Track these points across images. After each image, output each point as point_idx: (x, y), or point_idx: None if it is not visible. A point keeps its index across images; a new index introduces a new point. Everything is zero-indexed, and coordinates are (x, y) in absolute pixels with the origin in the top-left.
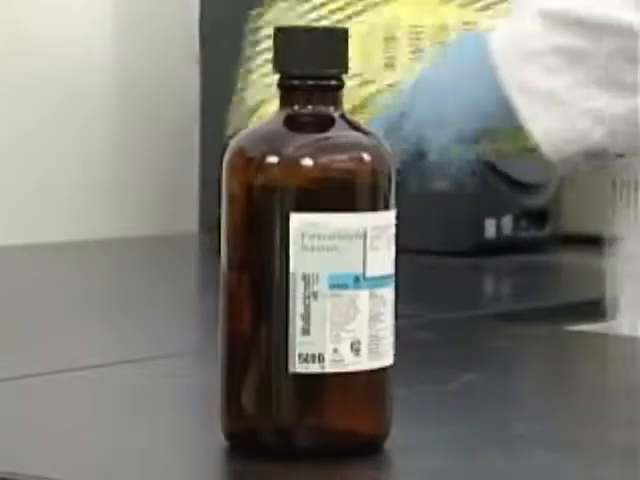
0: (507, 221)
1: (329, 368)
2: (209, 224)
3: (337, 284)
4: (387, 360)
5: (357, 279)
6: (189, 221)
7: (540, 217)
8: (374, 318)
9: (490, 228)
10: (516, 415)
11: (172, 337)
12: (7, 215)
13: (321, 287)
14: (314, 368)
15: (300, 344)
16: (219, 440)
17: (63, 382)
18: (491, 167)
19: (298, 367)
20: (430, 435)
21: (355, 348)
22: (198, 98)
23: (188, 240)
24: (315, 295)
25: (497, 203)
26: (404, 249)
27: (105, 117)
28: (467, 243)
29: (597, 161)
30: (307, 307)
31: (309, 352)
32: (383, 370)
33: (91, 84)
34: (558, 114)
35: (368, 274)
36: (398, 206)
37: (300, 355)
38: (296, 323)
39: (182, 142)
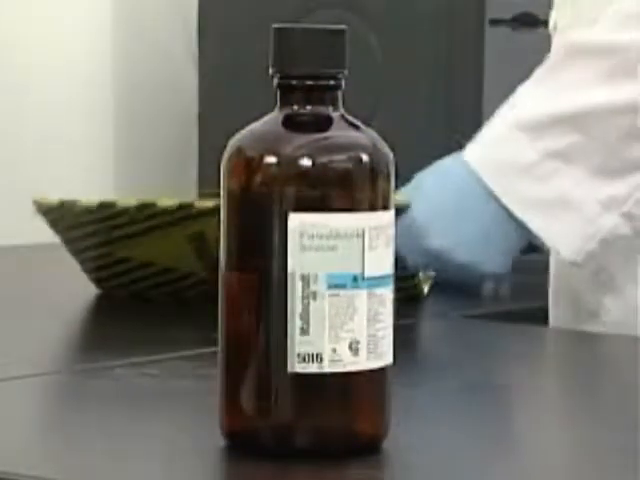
0: None
1: (328, 368)
2: None
3: (336, 284)
4: (386, 360)
5: (355, 279)
6: None
7: None
8: (373, 318)
9: None
10: (516, 415)
11: (171, 337)
12: (13, 216)
13: (320, 287)
14: (313, 368)
15: (299, 344)
16: (218, 440)
17: (62, 382)
18: None
19: (297, 367)
20: (429, 435)
21: (354, 348)
22: (196, 102)
23: None
24: (314, 295)
25: None
26: None
27: (104, 119)
28: None
29: (614, 247)
30: (306, 307)
31: (308, 352)
32: (382, 370)
33: (90, 88)
34: (571, 215)
35: (367, 274)
36: None
37: (299, 355)
38: (295, 323)
39: (181, 147)
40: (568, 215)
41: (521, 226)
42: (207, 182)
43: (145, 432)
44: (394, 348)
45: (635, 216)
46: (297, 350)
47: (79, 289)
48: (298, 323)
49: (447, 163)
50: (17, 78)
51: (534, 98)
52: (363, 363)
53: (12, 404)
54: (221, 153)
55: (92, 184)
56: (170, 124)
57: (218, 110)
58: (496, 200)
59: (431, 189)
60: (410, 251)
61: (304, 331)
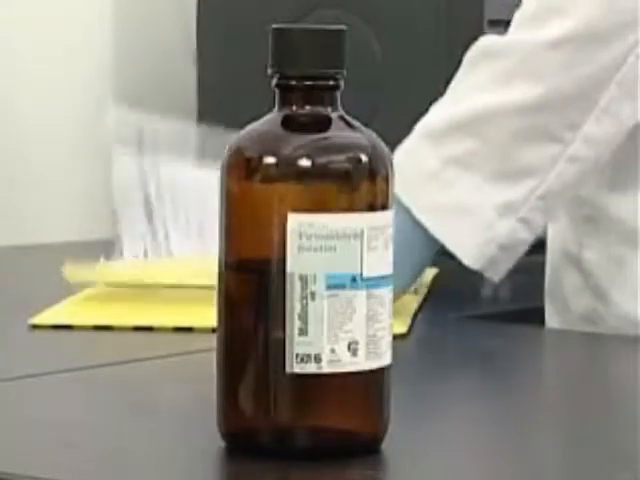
0: None
1: (326, 368)
2: None
3: (334, 284)
4: (385, 360)
5: (354, 279)
6: None
7: None
8: (372, 318)
9: None
10: (515, 415)
11: (172, 337)
12: (13, 216)
13: (318, 287)
14: (311, 368)
15: (297, 344)
16: (217, 440)
17: (64, 382)
18: None
19: (295, 367)
20: (428, 435)
21: (352, 348)
22: (195, 101)
23: None
24: (312, 295)
25: None
26: None
27: (103, 121)
28: None
29: (516, 252)
30: (304, 307)
31: (306, 352)
32: (381, 370)
33: (89, 90)
34: (469, 221)
35: (365, 274)
36: None
37: (297, 355)
38: (293, 323)
39: None
40: (466, 221)
41: (427, 235)
42: None
43: (144, 432)
44: (393, 348)
45: (532, 221)
46: (296, 350)
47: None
48: (297, 323)
49: None
50: (14, 77)
51: (441, 104)
52: (362, 363)
53: (12, 404)
54: None
55: (93, 184)
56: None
57: (217, 110)
58: (405, 211)
59: None
60: None
61: (303, 331)
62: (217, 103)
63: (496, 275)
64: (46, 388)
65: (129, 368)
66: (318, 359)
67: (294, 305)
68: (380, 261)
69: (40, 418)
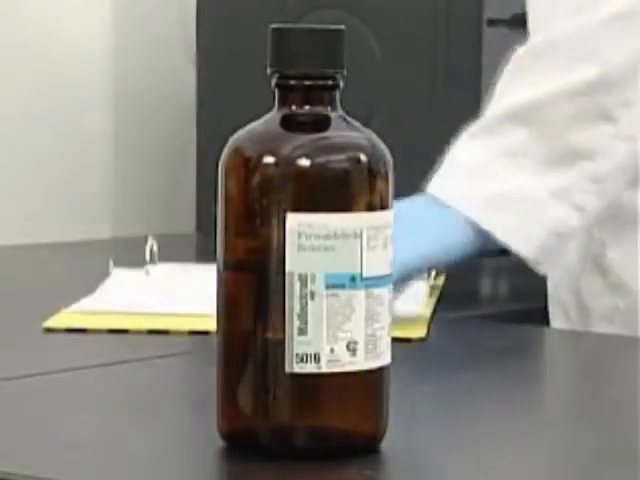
0: None
1: (326, 368)
2: (206, 224)
3: (334, 284)
4: (384, 360)
5: (354, 279)
6: (186, 221)
7: None
8: (371, 318)
9: None
10: (516, 415)
11: (171, 337)
12: (13, 216)
13: (318, 287)
14: (311, 368)
15: (297, 344)
16: (216, 441)
17: (64, 381)
18: None
19: (295, 367)
20: (427, 435)
21: (352, 348)
22: (194, 100)
23: (186, 240)
24: (312, 295)
25: None
26: None
27: (103, 119)
28: None
29: (568, 241)
30: (304, 307)
31: (306, 352)
32: (380, 370)
33: (89, 88)
34: (523, 208)
35: (365, 274)
36: None
37: (297, 355)
38: (293, 323)
39: (179, 144)
40: (519, 209)
41: (475, 229)
42: (205, 183)
43: (143, 433)
44: (392, 348)
45: (586, 206)
46: (295, 350)
47: (77, 286)
48: (296, 323)
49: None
50: (17, 73)
51: (492, 100)
52: (361, 363)
53: (12, 404)
54: (219, 153)
55: (92, 186)
56: (168, 126)
57: (216, 109)
58: (448, 206)
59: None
60: None
61: (302, 331)
62: (216, 103)
63: (548, 266)
64: (45, 388)
65: (128, 367)
66: (317, 359)
67: (293, 305)
68: (379, 261)
69: (40, 417)
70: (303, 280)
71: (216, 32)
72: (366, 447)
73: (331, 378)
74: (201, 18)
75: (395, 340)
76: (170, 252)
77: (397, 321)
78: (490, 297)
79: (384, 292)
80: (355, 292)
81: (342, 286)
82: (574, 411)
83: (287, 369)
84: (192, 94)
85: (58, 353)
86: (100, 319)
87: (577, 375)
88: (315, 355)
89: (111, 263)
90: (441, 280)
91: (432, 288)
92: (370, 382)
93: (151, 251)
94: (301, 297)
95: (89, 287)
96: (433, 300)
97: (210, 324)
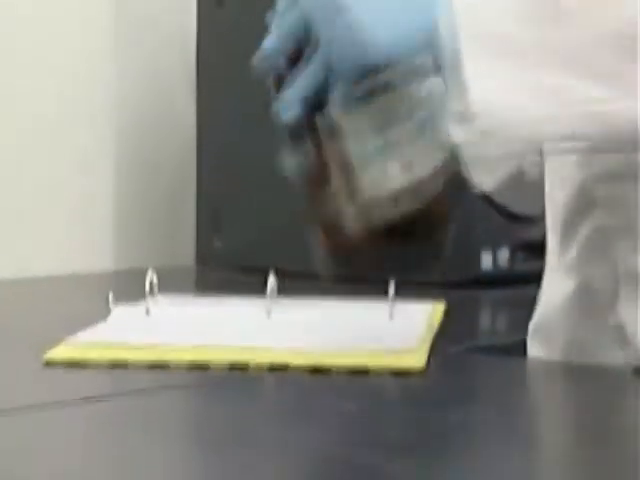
0: (504, 253)
1: None
2: (205, 257)
3: None
4: None
5: None
6: (186, 254)
7: (537, 249)
8: None
9: (486, 260)
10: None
11: (171, 370)
12: (13, 249)
13: None
14: None
15: None
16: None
17: (69, 410)
18: (487, 199)
19: None
20: (426, 465)
21: None
22: (194, 136)
23: (185, 272)
24: None
25: (493, 235)
26: (399, 281)
27: (104, 153)
28: (463, 275)
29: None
30: None
31: None
32: None
33: (91, 122)
34: (512, 74)
35: None
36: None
37: None
38: None
39: (179, 178)
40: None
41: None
42: (204, 215)
43: (147, 464)
44: (389, 381)
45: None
46: None
47: (82, 319)
48: None
49: None
50: (16, 109)
51: None
52: None
53: (17, 436)
54: (218, 186)
55: (92, 218)
56: (169, 158)
57: (216, 144)
58: None
59: None
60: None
61: None
62: (216, 138)
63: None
64: (51, 417)
65: (128, 399)
66: None
67: None
68: None
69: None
70: None
71: (216, 69)
72: None
73: None
74: (201, 56)
75: (393, 373)
76: (170, 284)
77: (395, 351)
78: (486, 330)
79: None
80: None
81: None
82: (575, 441)
83: None
84: (192, 130)
85: (58, 385)
86: (100, 352)
87: (579, 407)
88: None
89: (111, 296)
90: (439, 312)
91: (430, 318)
92: None
93: (151, 283)
94: None
95: (89, 320)
96: (431, 333)
97: (210, 355)
